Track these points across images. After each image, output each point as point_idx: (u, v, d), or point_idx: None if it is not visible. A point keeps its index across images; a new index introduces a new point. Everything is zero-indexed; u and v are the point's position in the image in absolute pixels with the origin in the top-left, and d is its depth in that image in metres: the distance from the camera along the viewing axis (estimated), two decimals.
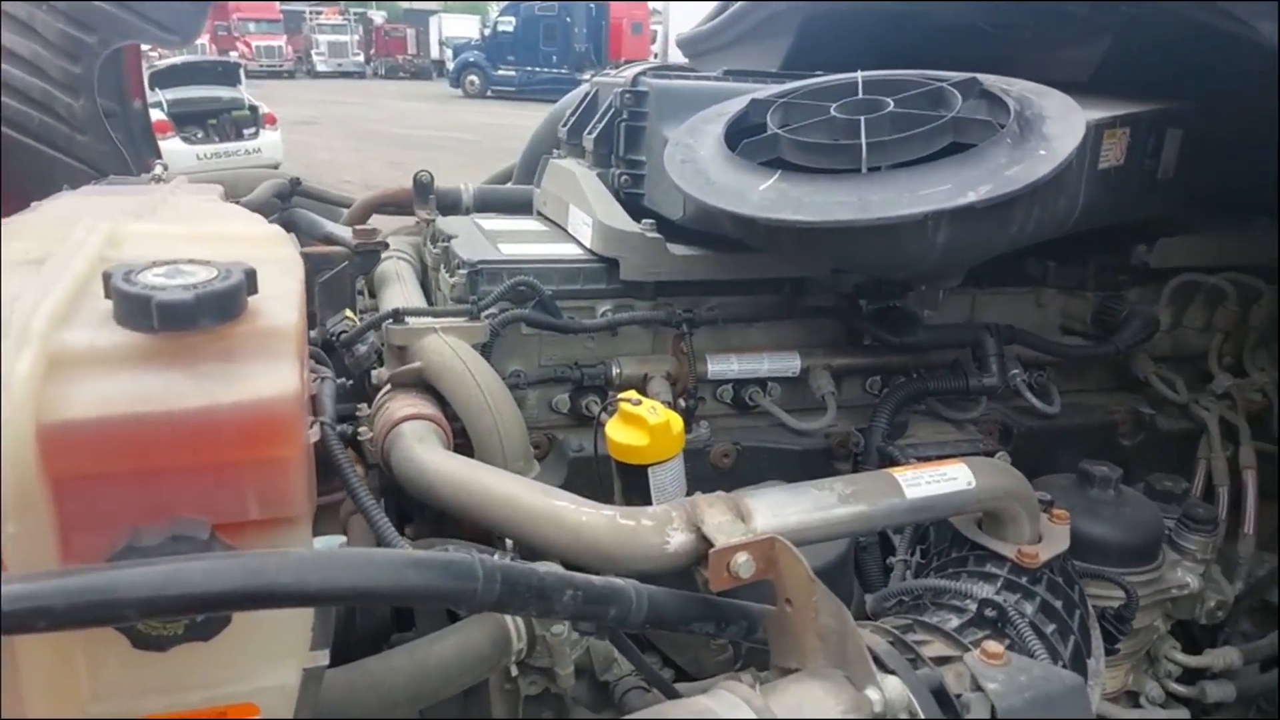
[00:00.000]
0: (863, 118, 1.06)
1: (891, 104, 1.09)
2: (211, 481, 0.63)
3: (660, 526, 0.85)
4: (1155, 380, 1.51)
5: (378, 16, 32.41)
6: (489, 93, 22.91)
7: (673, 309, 1.27)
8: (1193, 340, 1.57)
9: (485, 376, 1.09)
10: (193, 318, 0.63)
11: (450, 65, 25.72)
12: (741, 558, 0.82)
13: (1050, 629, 0.94)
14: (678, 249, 1.26)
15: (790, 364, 1.35)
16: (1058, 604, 0.97)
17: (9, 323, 0.61)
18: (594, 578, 0.78)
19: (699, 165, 1.12)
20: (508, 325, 1.18)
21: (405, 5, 33.41)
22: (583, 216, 1.31)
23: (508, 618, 0.96)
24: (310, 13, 30.15)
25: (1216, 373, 1.54)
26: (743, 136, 1.16)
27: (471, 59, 23.93)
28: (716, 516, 0.86)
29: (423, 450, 0.99)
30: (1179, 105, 1.40)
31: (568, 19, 22.77)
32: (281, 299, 0.71)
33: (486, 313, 1.16)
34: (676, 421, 1.03)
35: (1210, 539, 1.32)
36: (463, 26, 28.85)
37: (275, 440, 0.63)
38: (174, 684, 0.66)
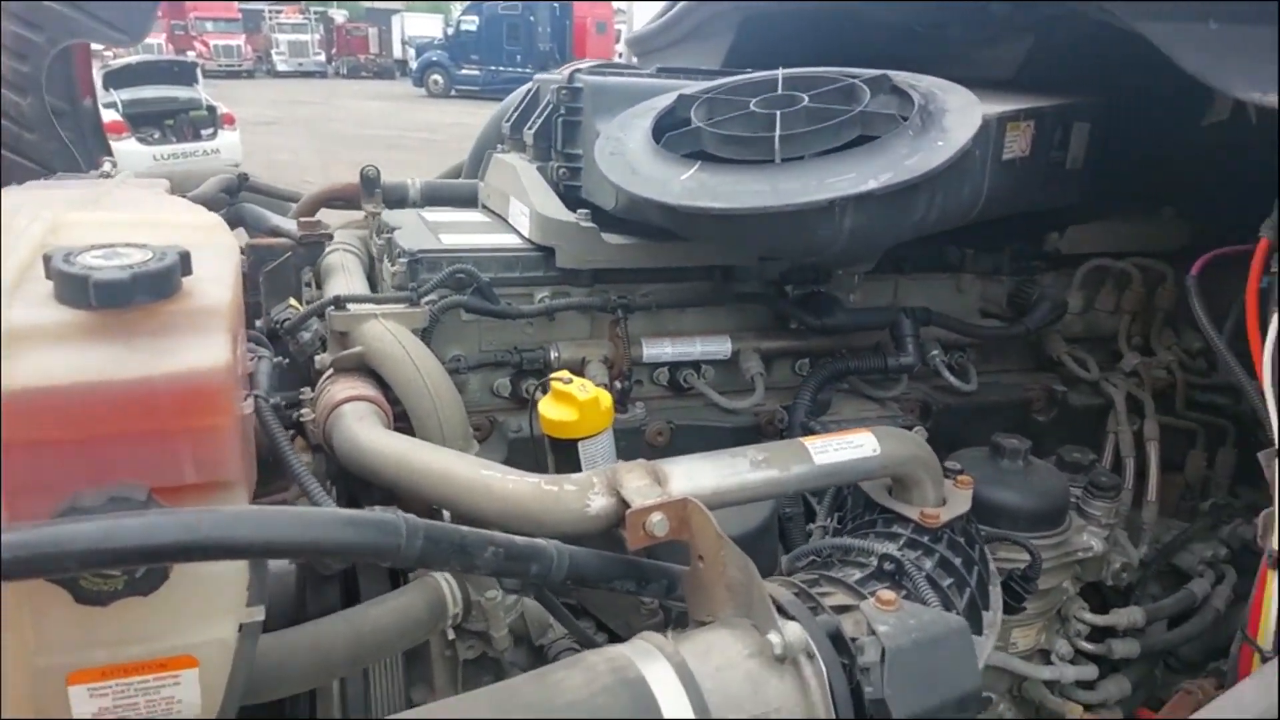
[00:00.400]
0: (778, 112, 1.12)
1: (806, 99, 1.16)
2: (148, 447, 0.67)
3: (582, 491, 0.90)
4: (1067, 360, 1.60)
5: (339, 15, 32.06)
6: (453, 92, 22.79)
7: (608, 295, 1.32)
8: (1104, 322, 1.66)
9: (424, 360, 1.14)
10: (128, 295, 0.67)
11: (413, 65, 25.55)
12: (656, 517, 0.88)
13: (947, 583, 1.01)
14: (612, 238, 1.31)
15: (721, 347, 1.41)
16: (956, 561, 1.05)
17: None
18: (516, 537, 0.84)
19: (627, 157, 1.18)
20: (447, 311, 1.23)
21: (367, 4, 33.09)
22: (521, 207, 1.36)
23: (444, 583, 1.01)
24: (270, 12, 29.75)
25: (1125, 352, 1.63)
26: (669, 130, 1.22)
27: (435, 58, 23.79)
28: (635, 481, 0.92)
29: (362, 429, 1.03)
30: (1084, 100, 1.49)
31: (531, 18, 22.73)
32: (216, 280, 0.75)
33: (426, 299, 1.21)
34: (605, 398, 1.08)
35: (1114, 505, 1.40)
36: (426, 26, 28.65)
37: (208, 409, 0.68)
38: (116, 638, 0.70)
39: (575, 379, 1.07)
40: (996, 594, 1.12)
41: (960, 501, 1.11)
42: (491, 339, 1.30)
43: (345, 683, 1.03)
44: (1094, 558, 1.40)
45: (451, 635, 1.03)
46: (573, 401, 1.05)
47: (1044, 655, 1.43)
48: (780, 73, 1.26)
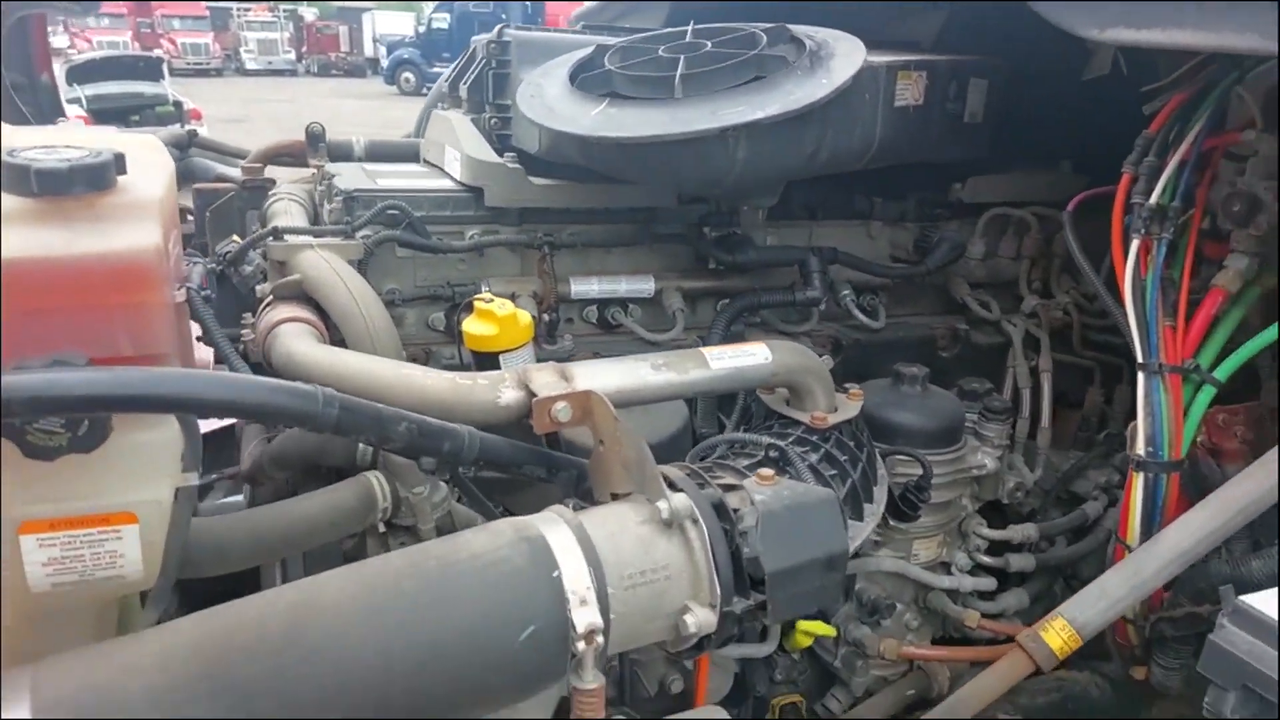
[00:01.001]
0: (682, 56, 1.22)
1: (710, 45, 1.25)
2: (86, 320, 0.75)
3: (494, 385, 0.99)
4: (970, 301, 1.71)
5: (309, 13, 31.77)
6: (424, 90, 22.61)
7: (535, 233, 1.41)
8: (1006, 268, 1.77)
9: (358, 286, 1.22)
10: (67, 185, 0.75)
11: (385, 63, 25.41)
12: (560, 405, 0.97)
13: (830, 473, 1.11)
14: (538, 180, 1.40)
15: (645, 286, 1.50)
16: (842, 457, 1.15)
17: None
18: (431, 419, 0.93)
19: (545, 99, 1.27)
20: (381, 245, 1.31)
21: (338, 4, 32.84)
22: (454, 154, 1.44)
23: (374, 480, 1.09)
24: (238, 10, 29.44)
25: (1025, 294, 1.75)
26: (586, 75, 1.31)
27: (406, 56, 23.70)
28: (543, 378, 1.01)
29: (298, 344, 1.11)
30: (980, 58, 1.59)
31: (503, 16, 22.66)
32: (149, 181, 0.83)
33: (361, 233, 1.29)
34: (524, 315, 1.17)
35: (1005, 427, 1.51)
36: (397, 23, 28.47)
37: (140, 286, 0.76)
38: (62, 494, 0.77)
39: (495, 299, 1.16)
40: (881, 491, 1.22)
41: (849, 409, 1.21)
42: (425, 275, 1.39)
43: (286, 569, 1.11)
44: (989, 475, 1.51)
45: (383, 529, 1.11)
46: (492, 317, 1.14)
47: (946, 568, 1.54)
48: (691, 26, 1.36)
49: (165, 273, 0.78)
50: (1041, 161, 1.80)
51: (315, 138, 1.65)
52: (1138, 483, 1.29)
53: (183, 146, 1.65)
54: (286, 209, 1.48)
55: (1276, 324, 1.20)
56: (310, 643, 0.77)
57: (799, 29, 1.33)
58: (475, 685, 0.81)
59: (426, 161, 1.71)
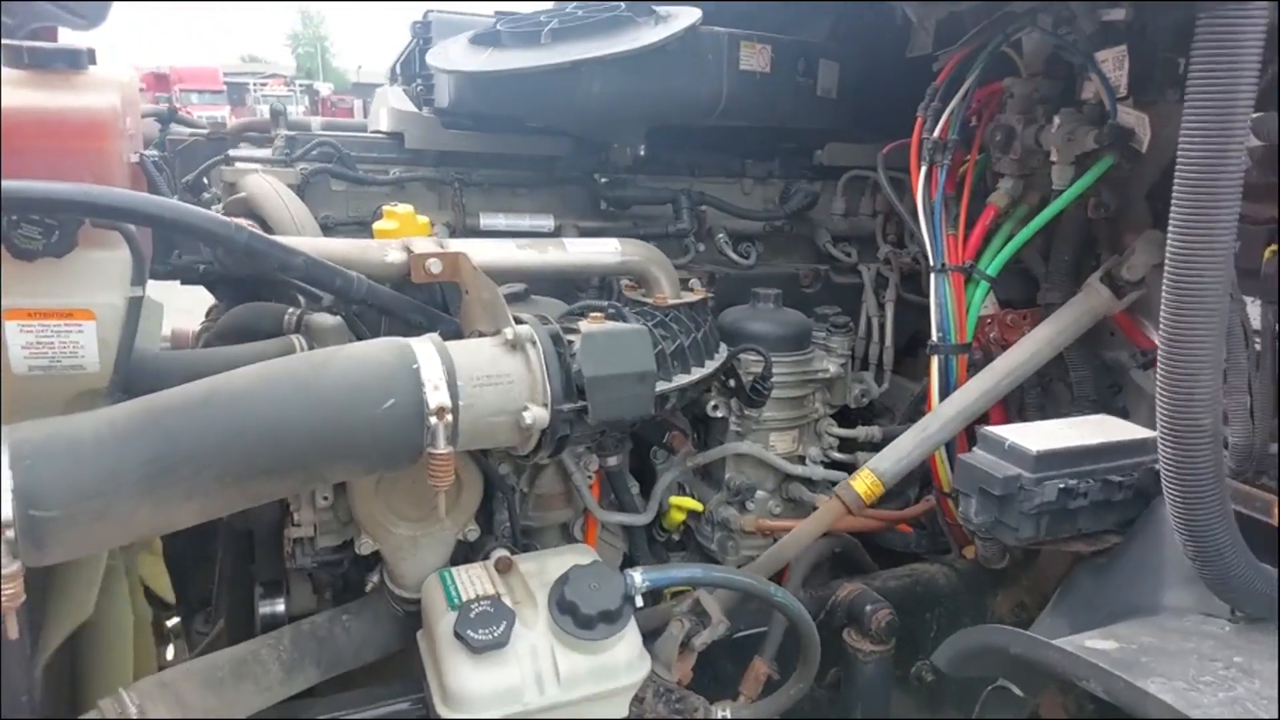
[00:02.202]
0: (556, 18, 1.49)
1: (580, 13, 1.53)
2: (58, 160, 0.99)
3: (383, 246, 1.24)
4: (830, 248, 1.96)
5: (324, 88, 32.67)
6: None
7: (449, 173, 1.67)
8: (865, 223, 2.03)
9: (294, 204, 1.47)
10: (51, 60, 1.00)
11: None
12: (432, 260, 1.21)
13: (661, 335, 1.35)
14: (451, 130, 1.67)
15: (545, 223, 1.75)
16: (675, 328, 1.38)
17: None
18: (326, 261, 1.17)
19: (449, 55, 1.54)
20: (317, 175, 1.56)
21: (353, 78, 33.72)
22: (383, 111, 1.71)
23: (295, 340, 1.32)
24: (255, 84, 30.27)
25: (880, 244, 2.00)
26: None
27: None
28: (423, 244, 1.25)
29: None
30: (826, 43, 1.87)
31: None
32: (113, 72, 1.09)
33: (300, 166, 1.55)
34: (423, 218, 1.42)
35: (847, 339, 1.75)
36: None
37: (101, 135, 1.01)
38: (38, 291, 1.01)
39: (400, 204, 1.42)
40: (715, 361, 1.45)
41: (691, 296, 1.45)
42: (355, 205, 1.64)
43: None
44: (836, 380, 1.75)
45: None
46: (395, 215, 1.39)
47: (800, 460, 1.76)
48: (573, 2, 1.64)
49: (120, 130, 1.03)
50: (893, 132, 2.06)
51: (278, 114, 1.92)
52: (934, 364, 1.53)
53: (164, 120, 1.91)
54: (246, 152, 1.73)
55: (1029, 227, 1.45)
56: (221, 400, 1.00)
57: (658, 5, 1.61)
58: (347, 441, 1.04)
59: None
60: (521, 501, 1.52)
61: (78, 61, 1.02)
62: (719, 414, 1.66)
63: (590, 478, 1.54)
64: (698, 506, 1.66)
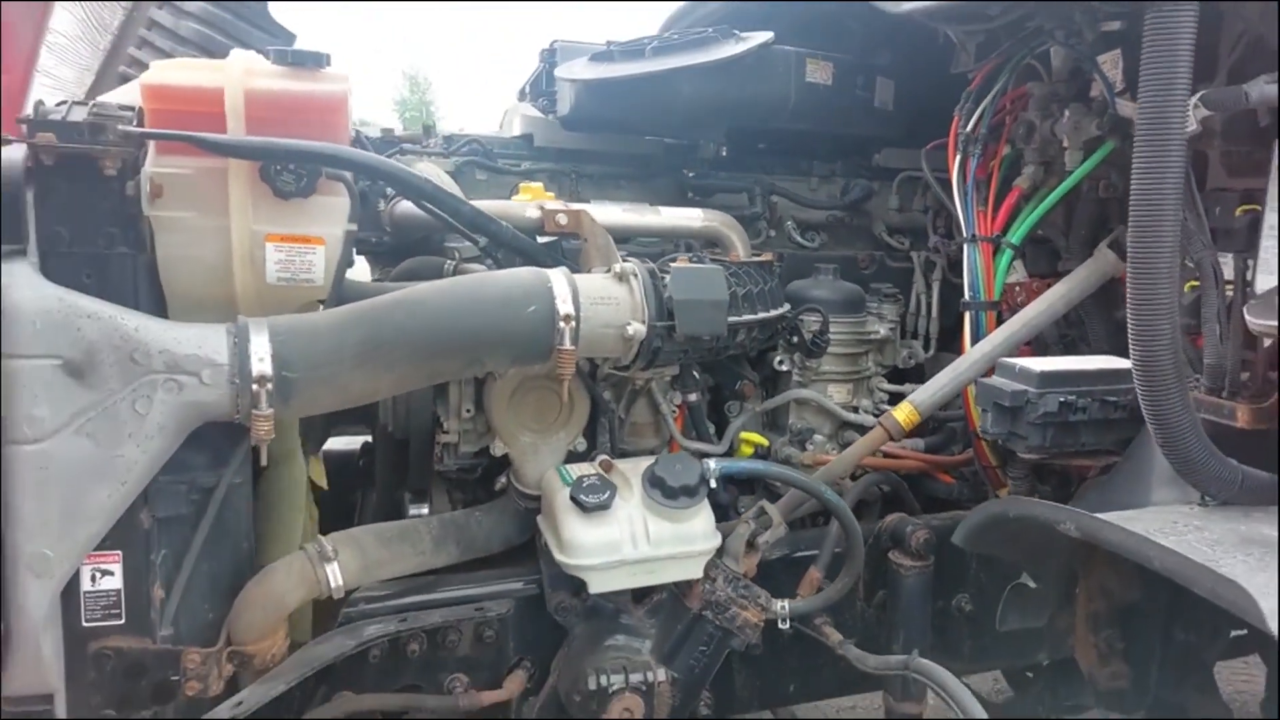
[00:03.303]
0: (658, 38, 1.85)
1: (676, 36, 1.88)
2: (306, 128, 1.37)
3: (524, 205, 1.59)
4: (886, 238, 2.23)
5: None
6: None
7: (567, 166, 2.03)
8: (918, 218, 2.29)
9: (449, 183, 1.84)
10: (302, 60, 1.39)
11: None
12: (561, 214, 1.56)
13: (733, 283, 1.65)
14: (571, 133, 2.03)
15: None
16: (744, 277, 1.68)
17: None
18: (487, 214, 1.52)
19: (572, 70, 1.91)
20: (466, 165, 1.94)
21: None
22: (515, 118, 2.09)
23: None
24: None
25: (931, 235, 2.26)
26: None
27: None
28: (555, 204, 1.60)
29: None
30: (883, 61, 2.17)
31: None
32: (344, 73, 1.47)
33: (454, 158, 1.94)
34: (547, 192, 1.77)
35: (896, 306, 2.02)
36: None
37: (337, 111, 1.38)
38: (289, 222, 1.37)
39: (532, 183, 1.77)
40: (778, 309, 1.74)
41: (758, 259, 1.75)
42: (494, 192, 2.00)
43: None
44: (885, 341, 2.02)
45: None
46: (528, 189, 1.74)
47: (853, 409, 2.02)
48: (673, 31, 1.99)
49: (348, 108, 1.41)
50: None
51: (429, 128, 2.33)
52: (967, 319, 1.78)
53: None
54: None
55: (1046, 201, 1.71)
56: (412, 302, 1.37)
57: (744, 33, 1.95)
58: (500, 335, 1.38)
59: None
60: (619, 427, 1.83)
61: (321, 61, 1.41)
62: (784, 368, 1.95)
63: (675, 411, 1.84)
64: (764, 441, 1.94)
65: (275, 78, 1.37)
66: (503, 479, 1.76)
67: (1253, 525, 1.23)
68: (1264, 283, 1.35)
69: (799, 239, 2.14)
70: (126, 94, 1.44)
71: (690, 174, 2.10)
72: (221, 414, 1.29)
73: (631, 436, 1.85)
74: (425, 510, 1.88)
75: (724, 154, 2.05)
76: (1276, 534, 1.20)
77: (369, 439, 2.05)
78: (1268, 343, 1.31)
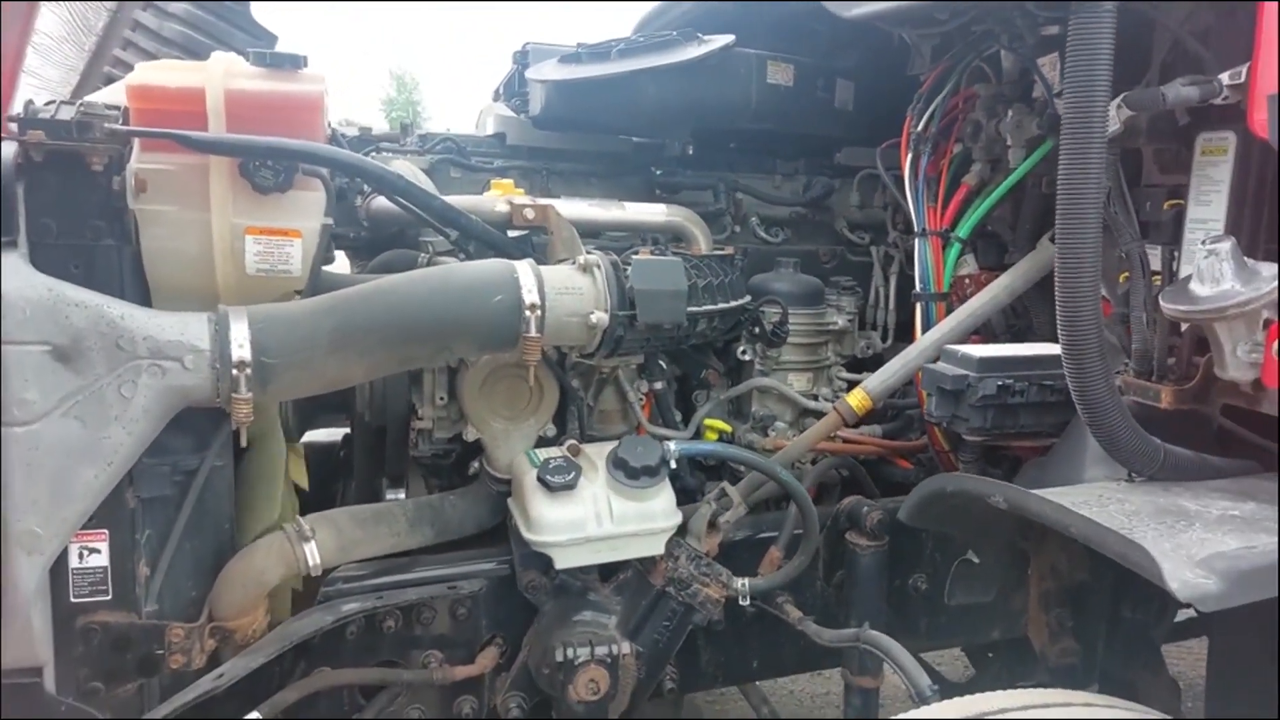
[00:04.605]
0: (624, 40, 1.92)
1: (642, 39, 1.96)
2: (283, 126, 1.43)
3: (492, 200, 1.66)
4: (847, 233, 2.32)
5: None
6: None
7: (538, 164, 2.11)
8: (878, 214, 2.37)
9: (424, 180, 1.91)
10: (281, 61, 1.45)
11: None
12: (529, 209, 1.63)
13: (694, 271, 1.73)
14: (541, 132, 2.11)
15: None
16: (705, 269, 1.76)
17: None
18: (456, 209, 1.60)
19: (542, 71, 1.98)
20: (440, 163, 2.01)
21: None
22: (488, 118, 2.17)
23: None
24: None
25: (890, 231, 2.35)
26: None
27: None
28: (522, 199, 1.67)
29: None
30: (843, 64, 2.26)
31: None
32: (320, 73, 1.54)
33: (429, 156, 2.01)
34: (516, 189, 1.85)
35: (854, 299, 2.11)
36: None
37: (314, 110, 1.45)
38: (266, 215, 1.44)
39: (503, 179, 1.85)
40: (739, 299, 1.82)
41: (720, 252, 1.84)
42: (468, 189, 2.08)
43: None
44: (843, 332, 2.10)
45: None
46: (499, 185, 1.82)
47: (813, 397, 2.10)
48: (639, 34, 2.07)
49: (324, 108, 1.48)
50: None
51: (407, 127, 2.39)
52: (918, 310, 1.87)
53: None
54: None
55: (990, 197, 1.80)
56: (384, 291, 1.44)
57: (707, 36, 2.03)
58: (468, 323, 1.45)
59: None
60: (588, 414, 1.91)
61: (298, 63, 1.48)
62: (747, 357, 2.03)
63: (642, 399, 1.92)
64: (727, 428, 2.02)
65: (254, 78, 1.44)
66: (475, 464, 1.83)
67: (1171, 498, 1.32)
68: (1187, 273, 1.44)
69: (763, 234, 2.22)
70: (112, 94, 1.51)
71: (658, 172, 2.17)
72: (203, 398, 1.36)
73: (600, 423, 1.93)
74: (402, 495, 1.95)
75: (690, 152, 2.13)
76: (1192, 505, 1.29)
77: (349, 431, 2.12)
78: (1186, 328, 1.40)
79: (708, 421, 2.01)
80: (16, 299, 1.27)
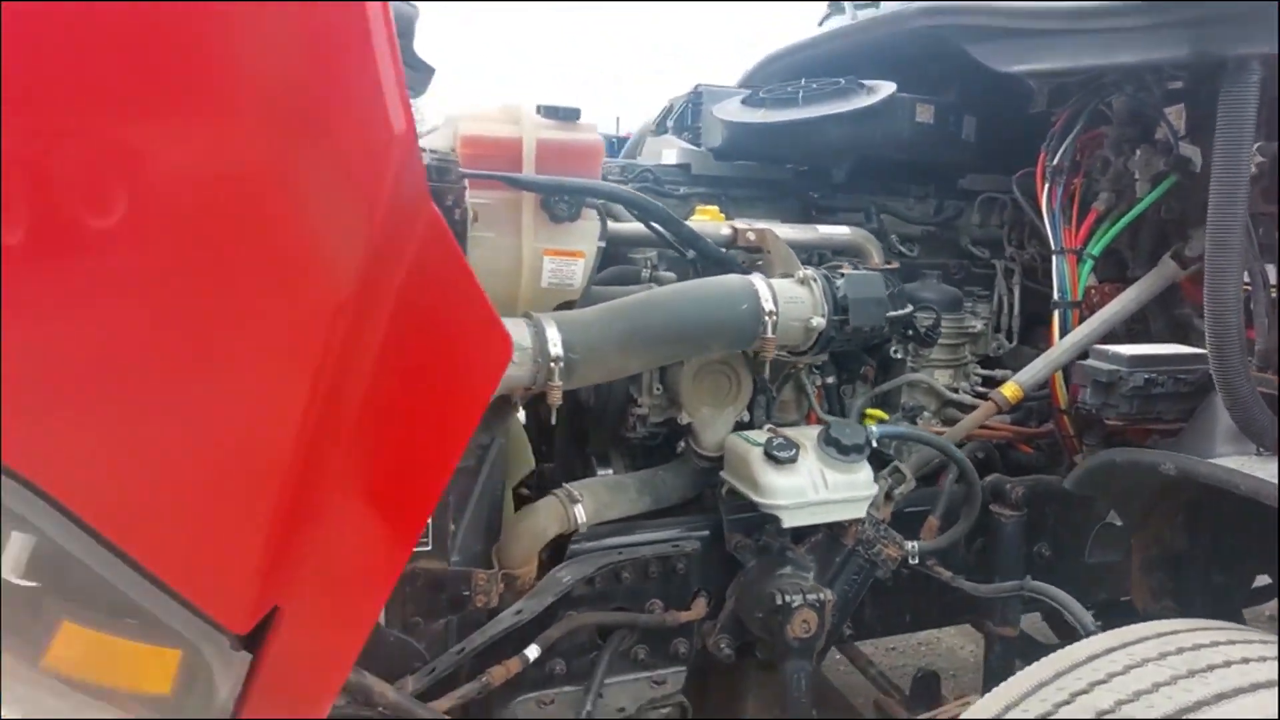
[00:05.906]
0: (801, 89, 2.28)
1: (815, 86, 2.31)
2: (572, 168, 1.79)
3: (717, 225, 2.02)
4: (970, 248, 2.67)
5: None
6: None
7: (717, 190, 2.46)
8: (995, 232, 2.73)
9: None
10: (566, 115, 1.81)
11: None
12: (751, 232, 1.99)
13: None
14: (719, 162, 2.47)
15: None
16: (887, 279, 2.11)
17: None
18: (687, 228, 1.95)
19: (729, 110, 2.34)
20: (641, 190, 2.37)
21: None
22: (671, 151, 2.53)
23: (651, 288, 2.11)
24: None
25: (1008, 247, 2.70)
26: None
27: None
28: (744, 224, 2.02)
29: None
30: (969, 100, 2.61)
31: None
32: (593, 124, 1.89)
33: (631, 185, 2.36)
34: (720, 214, 2.20)
35: (988, 305, 2.46)
36: None
37: (595, 155, 1.80)
38: (558, 241, 1.80)
39: (709, 206, 2.20)
40: (905, 308, 2.17)
41: (890, 267, 2.19)
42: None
43: None
44: (979, 334, 2.45)
45: None
46: (705, 211, 2.17)
47: (954, 390, 2.45)
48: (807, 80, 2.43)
49: (602, 151, 1.84)
50: (1017, 165, 2.78)
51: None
52: (1055, 316, 2.22)
53: None
54: None
55: (1120, 223, 2.15)
56: (656, 301, 1.79)
57: (867, 82, 2.39)
58: (719, 326, 1.80)
59: None
60: (771, 404, 2.26)
61: (577, 115, 1.84)
62: (899, 356, 2.38)
63: (815, 391, 2.27)
64: (884, 416, 2.37)
65: (552, 129, 1.80)
66: (682, 444, 2.18)
67: None
68: None
69: (902, 249, 2.58)
70: (430, 140, 1.87)
71: (815, 195, 2.53)
72: (523, 385, 1.72)
73: (778, 412, 2.28)
74: (610, 471, 2.30)
75: (844, 178, 2.49)
76: None
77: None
78: None
79: (868, 411, 2.36)
80: None
